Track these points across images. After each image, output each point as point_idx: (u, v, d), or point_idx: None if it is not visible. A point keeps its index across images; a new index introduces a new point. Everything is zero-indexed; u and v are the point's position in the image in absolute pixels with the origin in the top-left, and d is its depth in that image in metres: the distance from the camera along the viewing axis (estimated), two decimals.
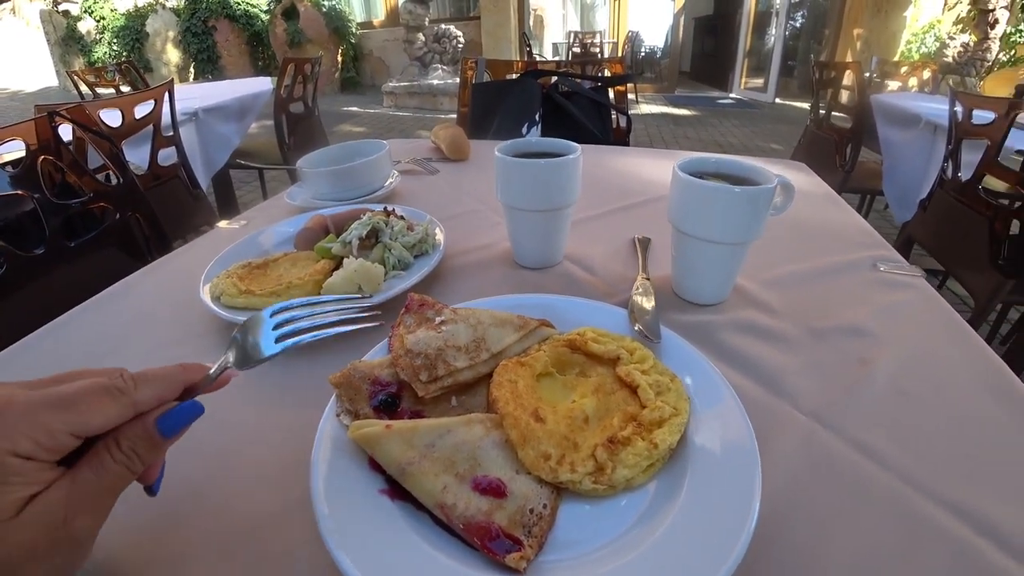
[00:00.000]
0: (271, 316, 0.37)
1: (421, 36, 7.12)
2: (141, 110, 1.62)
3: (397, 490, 0.37)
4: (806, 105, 2.93)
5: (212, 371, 0.34)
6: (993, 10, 5.39)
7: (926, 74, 3.16)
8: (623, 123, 1.68)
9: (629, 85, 7.92)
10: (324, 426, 0.41)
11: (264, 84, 2.74)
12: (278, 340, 0.36)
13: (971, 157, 1.56)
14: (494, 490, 0.36)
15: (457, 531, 0.35)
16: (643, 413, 0.41)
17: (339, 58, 8.48)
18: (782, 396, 0.51)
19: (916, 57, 6.26)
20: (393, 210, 0.77)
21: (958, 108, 1.61)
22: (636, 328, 0.51)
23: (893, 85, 3.27)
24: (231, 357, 0.36)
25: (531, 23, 8.44)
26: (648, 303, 0.58)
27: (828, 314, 0.63)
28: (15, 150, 1.13)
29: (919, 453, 0.44)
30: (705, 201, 0.58)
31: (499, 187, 0.68)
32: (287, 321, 0.38)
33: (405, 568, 0.32)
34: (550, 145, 0.71)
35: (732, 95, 8.33)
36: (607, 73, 1.90)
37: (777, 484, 0.41)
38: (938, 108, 2.14)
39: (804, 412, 0.49)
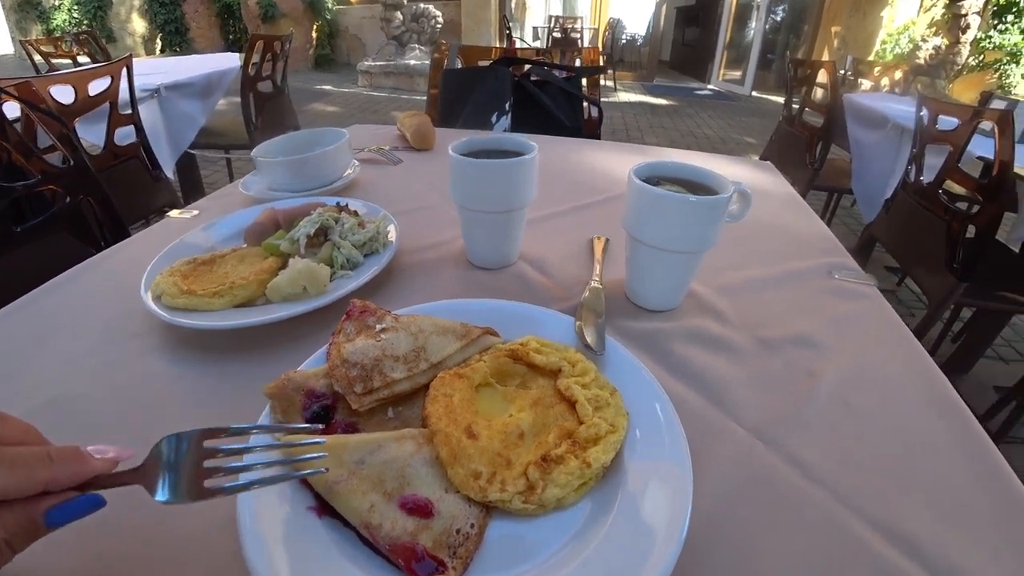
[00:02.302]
0: (204, 444, 0.30)
1: (399, 14, 6.95)
2: (96, 86, 1.54)
3: (325, 506, 0.36)
4: (781, 99, 2.96)
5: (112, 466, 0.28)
6: (965, 15, 5.51)
7: (898, 75, 3.21)
8: (595, 114, 1.66)
9: (608, 73, 7.92)
10: (254, 438, 0.39)
11: (232, 61, 2.64)
12: (208, 478, 0.30)
13: (934, 160, 1.60)
14: (421, 510, 0.35)
15: (382, 551, 0.34)
16: (579, 430, 0.41)
17: (314, 34, 8.24)
18: (725, 409, 0.51)
19: (890, 57, 6.37)
20: (346, 205, 0.74)
21: (924, 112, 1.64)
22: (578, 337, 0.51)
23: (866, 84, 3.32)
24: (163, 487, 0.29)
25: (512, 6, 8.31)
26: (596, 311, 0.57)
27: (780, 323, 0.64)
28: None
29: (857, 471, 0.44)
30: (659, 209, 0.58)
31: (452, 186, 0.67)
32: (223, 453, 0.31)
33: None
34: (507, 142, 0.69)
35: (710, 86, 8.37)
36: (581, 62, 1.88)
37: (711, 499, 0.41)
38: (906, 111, 2.18)
39: (745, 426, 0.49)
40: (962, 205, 1.59)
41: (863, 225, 2.35)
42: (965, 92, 5.07)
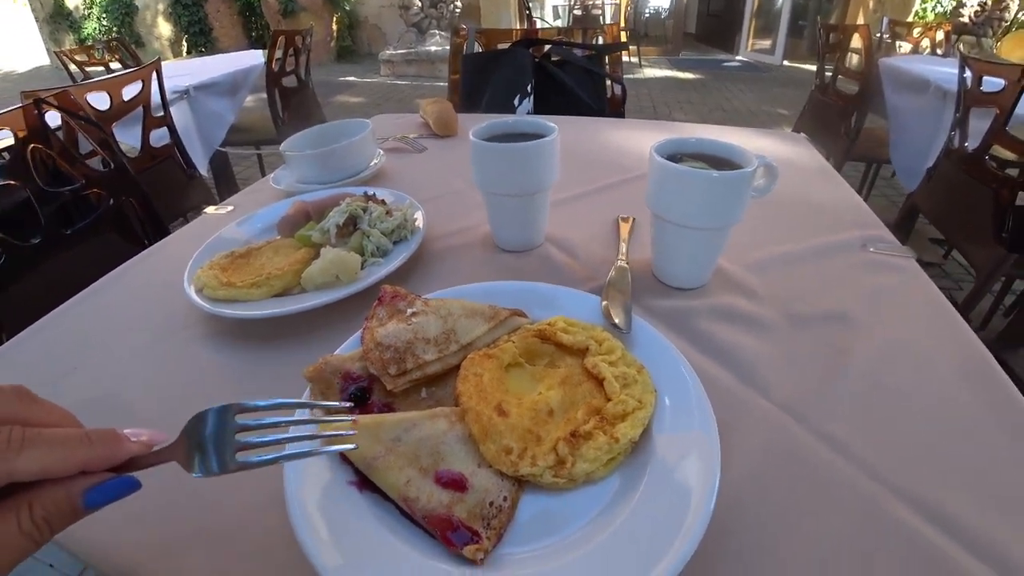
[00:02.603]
0: (237, 418, 0.31)
1: (417, 2, 6.93)
2: (129, 91, 1.60)
3: (365, 482, 0.38)
4: (815, 68, 2.85)
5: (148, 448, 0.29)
6: None
7: (940, 35, 3.05)
8: (618, 92, 1.64)
9: (632, 48, 7.72)
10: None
11: (255, 58, 2.69)
12: (239, 449, 0.30)
13: (980, 125, 1.52)
14: (455, 483, 0.37)
15: (419, 522, 0.36)
16: (607, 406, 0.41)
17: (334, 26, 8.28)
18: (755, 386, 0.50)
19: (931, 17, 6.04)
20: (373, 195, 0.76)
21: (967, 74, 1.56)
22: (605, 316, 0.51)
23: (904, 47, 3.16)
24: (196, 462, 0.30)
25: None
26: (622, 291, 0.57)
27: (811, 299, 0.62)
28: (3, 138, 1.13)
29: (892, 449, 0.44)
30: (682, 186, 0.57)
31: (474, 172, 0.68)
32: (254, 428, 0.31)
33: (370, 557, 0.33)
34: (527, 125, 0.69)
35: (739, 57, 8.10)
36: (603, 39, 1.85)
37: (740, 475, 0.41)
38: (948, 73, 2.07)
39: (775, 402, 0.48)
40: (1011, 172, 1.51)
41: (904, 196, 2.26)
42: (1014, 51, 4.76)
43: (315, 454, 0.33)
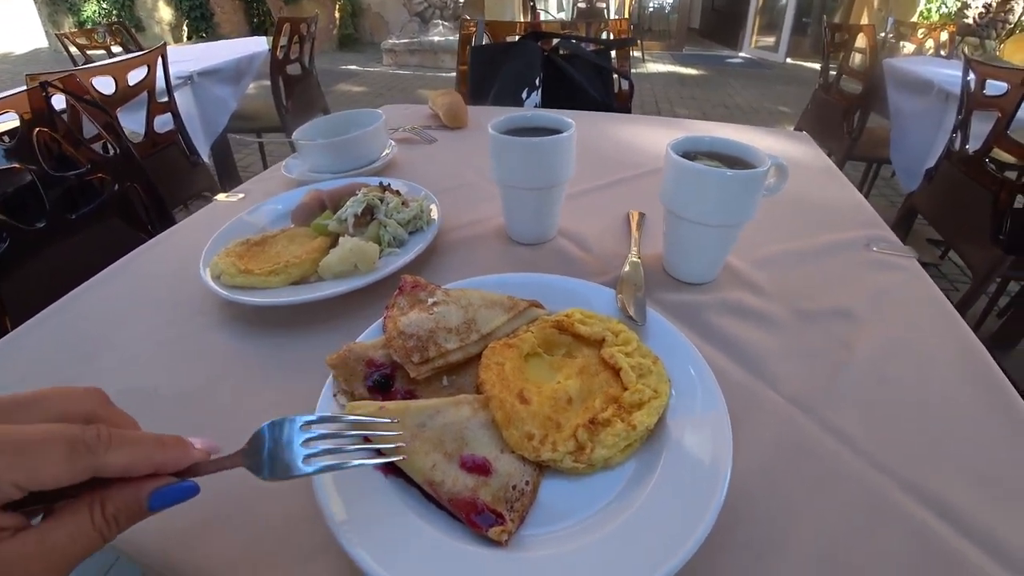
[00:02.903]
0: (301, 428, 0.34)
1: None
2: (134, 76, 1.60)
3: (391, 466, 0.39)
4: (818, 66, 2.85)
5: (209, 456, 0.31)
6: None
7: (944, 36, 3.05)
8: (625, 87, 1.65)
9: (637, 43, 7.69)
10: (322, 406, 0.43)
11: (259, 44, 2.68)
12: (307, 458, 0.33)
13: (981, 128, 1.53)
14: (479, 468, 0.38)
15: (444, 505, 0.37)
16: (624, 395, 0.43)
17: (336, 14, 8.22)
18: (762, 378, 0.52)
19: (935, 18, 6.04)
20: (388, 185, 0.77)
21: (971, 77, 1.57)
22: (621, 309, 0.52)
23: (908, 47, 3.17)
24: (266, 468, 0.32)
25: None
26: (636, 284, 0.59)
27: (817, 296, 0.64)
28: (8, 121, 1.12)
29: (896, 441, 0.45)
30: (696, 184, 0.58)
31: (492, 165, 0.69)
32: (317, 438, 0.34)
33: (398, 539, 0.34)
34: (544, 120, 0.70)
35: (742, 54, 8.08)
36: (610, 34, 1.85)
37: (750, 465, 0.43)
38: (952, 75, 2.08)
39: (783, 395, 0.50)
40: (1011, 174, 1.53)
41: (903, 196, 2.28)
42: (1017, 53, 4.77)
43: (371, 463, 0.37)
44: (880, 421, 0.47)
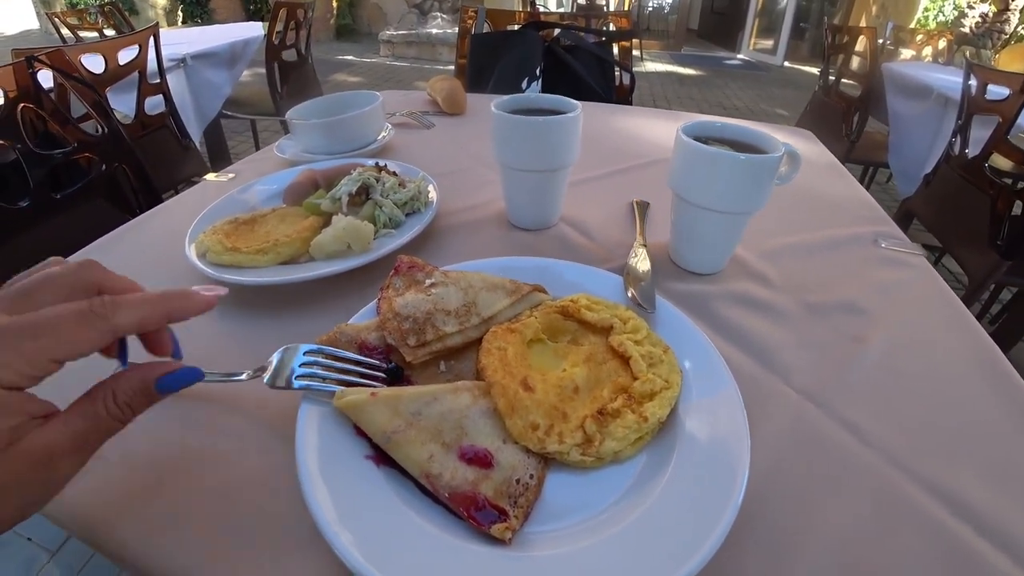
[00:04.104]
0: (305, 354, 0.41)
1: None
2: (125, 55, 1.55)
3: (383, 456, 0.37)
4: (815, 70, 2.86)
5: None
6: None
7: (941, 43, 3.06)
8: (626, 80, 1.62)
9: (634, 41, 7.68)
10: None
11: (255, 29, 2.63)
12: (299, 377, 0.40)
13: (980, 134, 1.52)
14: (480, 460, 0.35)
15: (442, 500, 0.34)
16: (634, 385, 0.40)
17: (334, 4, 8.13)
18: (774, 371, 0.50)
19: (933, 25, 6.07)
20: (385, 166, 0.74)
21: (972, 81, 1.56)
22: (631, 296, 0.50)
23: (907, 53, 3.17)
24: (268, 373, 0.40)
25: None
26: (644, 271, 0.56)
27: (825, 289, 0.62)
28: None
29: (906, 434, 0.44)
30: (708, 168, 0.56)
31: (495, 145, 0.66)
32: (315, 364, 0.41)
33: (390, 535, 0.32)
34: (549, 102, 0.68)
35: (740, 56, 8.10)
36: (612, 27, 1.83)
37: (764, 459, 0.41)
38: (951, 80, 2.08)
39: (795, 388, 0.48)
40: (1008, 180, 1.52)
41: (898, 201, 2.28)
42: (1012, 63, 4.80)
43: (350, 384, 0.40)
44: (894, 416, 0.46)
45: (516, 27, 1.54)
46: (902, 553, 0.35)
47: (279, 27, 2.43)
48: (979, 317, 1.92)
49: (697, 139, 0.58)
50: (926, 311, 0.60)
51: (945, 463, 0.41)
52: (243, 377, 0.42)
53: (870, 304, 0.60)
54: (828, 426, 0.45)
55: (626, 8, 7.77)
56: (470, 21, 1.72)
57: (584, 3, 7.19)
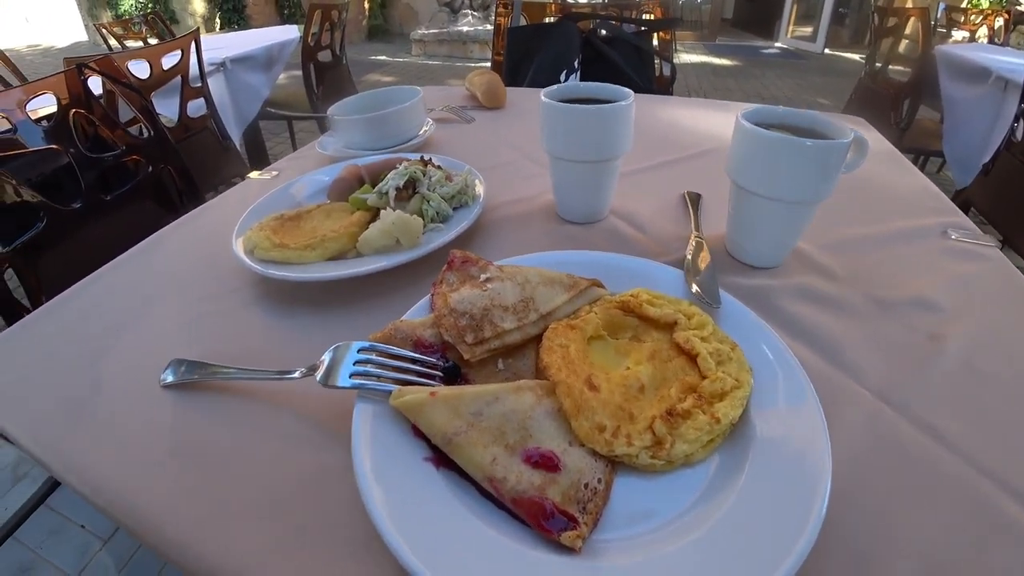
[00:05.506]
0: (358, 351, 0.41)
1: None
2: (168, 61, 1.60)
3: (442, 458, 0.35)
4: (857, 56, 2.74)
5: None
6: None
7: (998, 23, 2.89)
8: (667, 71, 1.58)
9: (680, 24, 7.52)
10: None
11: (291, 32, 2.67)
12: (353, 376, 0.40)
13: None
14: (547, 463, 0.34)
15: (507, 506, 0.33)
16: (703, 384, 0.38)
17: (366, 5, 8.23)
18: (845, 370, 0.47)
19: (987, 5, 5.76)
20: (430, 159, 0.73)
21: None
22: (694, 291, 0.47)
23: (959, 35, 3.01)
24: (320, 371, 0.40)
25: None
26: (705, 264, 0.54)
27: (894, 284, 0.59)
28: (47, 104, 1.12)
29: (991, 437, 0.41)
30: (772, 155, 0.53)
31: (544, 135, 0.64)
32: (368, 362, 0.41)
33: (453, 541, 0.30)
34: (599, 90, 0.65)
35: (778, 44, 7.85)
36: (648, 17, 1.78)
37: (840, 465, 0.38)
38: (1011, 62, 1.96)
39: (869, 388, 0.45)
40: None
41: (951, 192, 2.17)
42: None
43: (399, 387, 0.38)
44: (979, 420, 0.42)
45: (553, 19, 1.51)
46: (996, 570, 0.32)
47: (314, 29, 2.46)
48: None
49: (758, 125, 0.56)
50: (1006, 306, 0.56)
51: None
52: (295, 375, 0.42)
53: (945, 299, 0.56)
54: (908, 430, 0.42)
55: None
56: (503, 17, 1.70)
57: None
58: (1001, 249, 1.84)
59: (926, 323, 0.53)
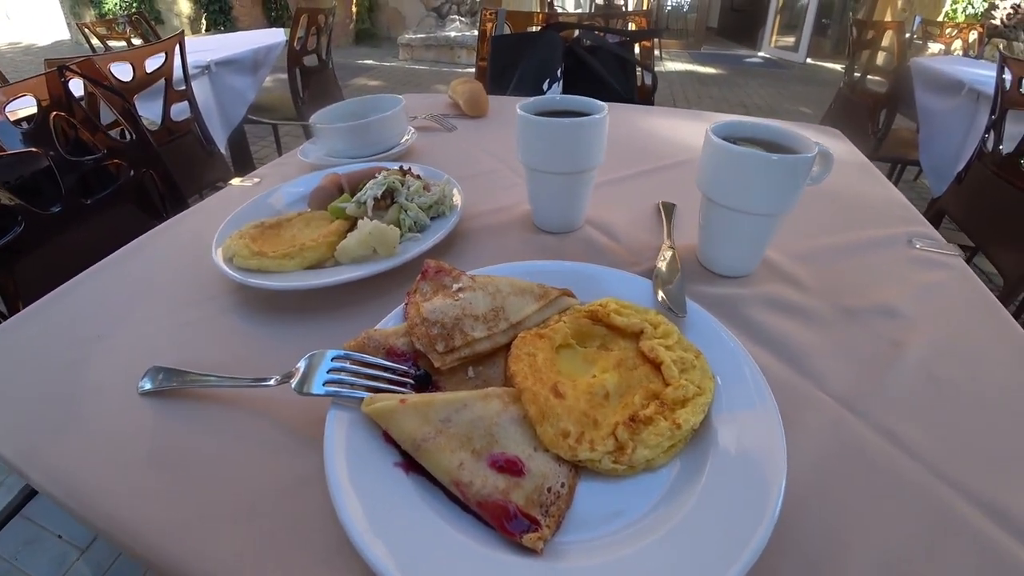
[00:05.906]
0: (332, 359, 0.42)
1: None
2: (152, 63, 1.58)
3: (412, 463, 0.36)
4: (839, 67, 2.81)
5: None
6: None
7: (972, 36, 2.97)
8: (648, 81, 1.60)
9: (663, 34, 7.60)
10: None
11: (277, 36, 2.66)
12: (327, 383, 0.41)
13: (1015, 129, 1.47)
14: (511, 467, 0.35)
15: (472, 509, 0.34)
16: (666, 391, 0.39)
17: (354, 8, 8.22)
18: (809, 377, 0.49)
19: (962, 19, 5.91)
20: (409, 169, 0.74)
21: (1006, 75, 1.51)
22: (661, 300, 0.49)
23: (935, 48, 3.09)
24: (295, 379, 0.42)
25: None
26: (674, 274, 0.55)
27: (860, 292, 0.60)
28: (27, 106, 1.11)
29: (950, 443, 0.42)
30: (739, 169, 0.55)
31: (520, 147, 0.65)
32: (342, 370, 0.42)
33: (421, 544, 0.31)
34: (574, 103, 0.67)
35: (761, 54, 7.97)
36: (632, 27, 1.81)
37: (800, 468, 0.39)
38: (982, 74, 2.02)
39: (831, 395, 0.47)
40: None
41: (926, 199, 2.22)
42: None
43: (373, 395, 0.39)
44: (935, 425, 0.44)
45: (537, 28, 1.53)
46: (948, 571, 0.34)
47: (300, 33, 2.46)
48: (1015, 317, 1.86)
49: (727, 139, 0.57)
50: (966, 314, 0.58)
51: (996, 477, 0.39)
52: (271, 383, 0.42)
53: (907, 307, 0.58)
54: (868, 435, 0.43)
55: (645, 7, 7.70)
56: (490, 23, 1.72)
57: (602, 3, 7.14)
58: (972, 256, 1.88)
59: (889, 330, 0.55)
